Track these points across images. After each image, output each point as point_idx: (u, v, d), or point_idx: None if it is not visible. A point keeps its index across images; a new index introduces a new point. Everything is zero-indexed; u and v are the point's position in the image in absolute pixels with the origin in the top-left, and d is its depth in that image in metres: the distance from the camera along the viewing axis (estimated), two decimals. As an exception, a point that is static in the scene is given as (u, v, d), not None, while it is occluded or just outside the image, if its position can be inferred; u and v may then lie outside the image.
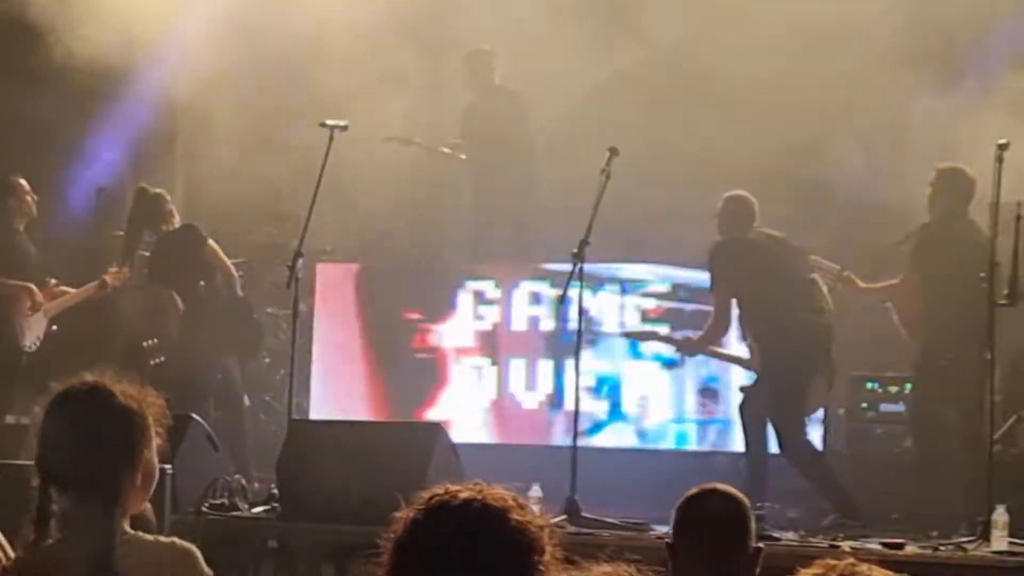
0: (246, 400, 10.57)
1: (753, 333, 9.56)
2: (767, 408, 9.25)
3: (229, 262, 10.30)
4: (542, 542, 2.57)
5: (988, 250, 8.53)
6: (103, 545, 3.33)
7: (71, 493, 3.40)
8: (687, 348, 10.07)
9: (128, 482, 3.41)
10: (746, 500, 4.40)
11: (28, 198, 10.15)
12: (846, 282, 9.83)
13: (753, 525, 4.33)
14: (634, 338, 10.68)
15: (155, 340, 10.20)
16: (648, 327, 10.73)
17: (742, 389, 9.70)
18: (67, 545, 3.38)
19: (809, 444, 9.35)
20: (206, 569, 3.44)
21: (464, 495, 2.57)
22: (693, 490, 4.38)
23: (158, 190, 10.46)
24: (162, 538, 3.46)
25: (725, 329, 9.61)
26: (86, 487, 3.38)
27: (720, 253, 9.47)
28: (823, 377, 9.43)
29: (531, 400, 11.30)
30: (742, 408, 9.50)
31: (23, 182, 10.17)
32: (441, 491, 2.59)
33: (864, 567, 2.79)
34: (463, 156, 12.10)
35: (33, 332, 10.10)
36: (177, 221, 10.38)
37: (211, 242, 10.22)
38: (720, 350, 10.02)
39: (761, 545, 4.33)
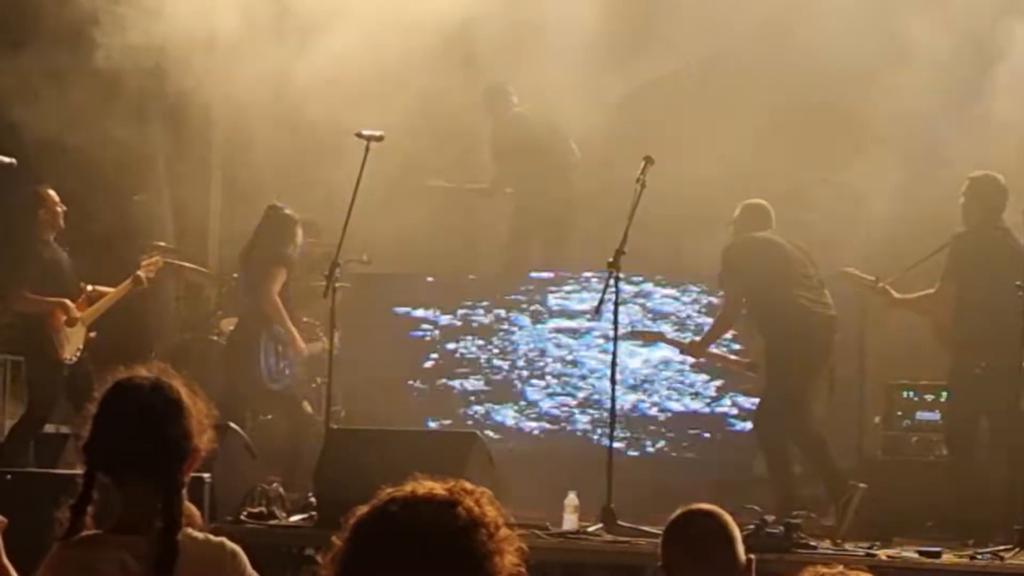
0: (307, 407, 10.60)
1: (761, 325, 9.62)
2: (777, 396, 9.32)
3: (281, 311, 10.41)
4: (479, 534, 2.46)
5: (1023, 258, 8.52)
6: (167, 532, 3.35)
7: (129, 480, 3.42)
8: (692, 351, 10.10)
9: (186, 470, 3.45)
10: (727, 515, 4.39)
11: (58, 208, 10.20)
12: (882, 293, 9.84)
13: (739, 536, 4.33)
14: (639, 339, 10.71)
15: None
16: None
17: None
18: (120, 533, 3.39)
19: (812, 424, 9.37)
20: (252, 572, 3.48)
21: (400, 492, 2.52)
22: (676, 513, 4.38)
23: (288, 211, 10.52)
24: (212, 537, 3.51)
25: (732, 322, 9.71)
26: (147, 474, 3.40)
27: (734, 249, 9.61)
28: (825, 374, 9.48)
29: (565, 407, 11.34)
30: (757, 423, 9.55)
31: (52, 192, 10.17)
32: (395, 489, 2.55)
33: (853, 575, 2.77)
34: (508, 190, 12.13)
35: (72, 344, 10.12)
36: (297, 245, 10.51)
37: (275, 283, 10.29)
38: (722, 354, 10.05)
39: (752, 556, 4.33)
